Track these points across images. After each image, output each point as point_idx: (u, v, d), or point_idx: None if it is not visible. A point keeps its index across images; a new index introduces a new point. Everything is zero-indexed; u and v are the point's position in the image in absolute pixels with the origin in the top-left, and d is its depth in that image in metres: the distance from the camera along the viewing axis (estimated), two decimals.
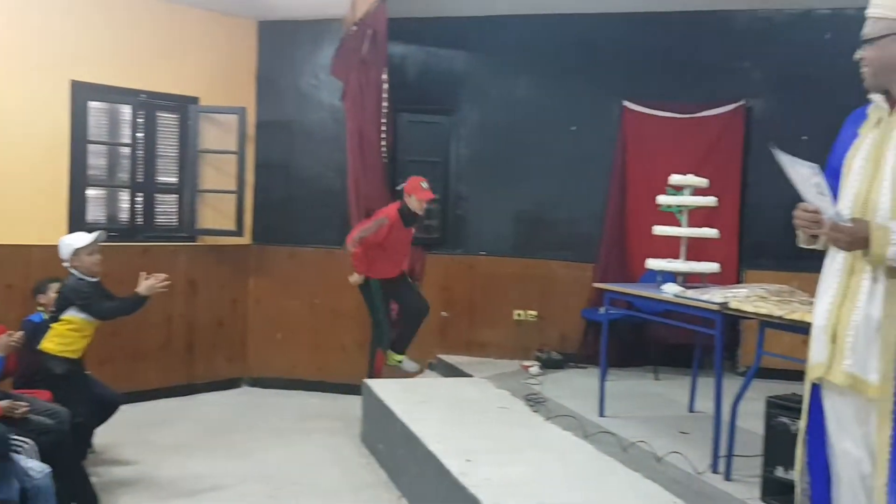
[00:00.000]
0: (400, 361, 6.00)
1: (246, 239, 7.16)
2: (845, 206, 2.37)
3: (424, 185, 5.82)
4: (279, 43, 7.24)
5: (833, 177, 2.48)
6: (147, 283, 4.38)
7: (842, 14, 6.21)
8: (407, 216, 5.83)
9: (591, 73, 6.75)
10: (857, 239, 2.20)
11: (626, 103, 6.69)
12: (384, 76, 6.43)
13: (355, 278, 5.87)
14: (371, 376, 5.82)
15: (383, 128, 6.54)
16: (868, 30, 2.35)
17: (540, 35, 6.77)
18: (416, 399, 5.14)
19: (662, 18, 6.55)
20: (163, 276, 4.43)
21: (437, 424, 4.53)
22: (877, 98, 2.39)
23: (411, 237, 6.03)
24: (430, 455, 4.03)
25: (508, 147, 6.90)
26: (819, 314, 2.44)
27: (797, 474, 2.55)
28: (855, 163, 2.39)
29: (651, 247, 5.57)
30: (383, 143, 6.57)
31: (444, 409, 4.89)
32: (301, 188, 7.20)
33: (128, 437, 5.37)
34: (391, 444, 4.84)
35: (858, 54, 2.38)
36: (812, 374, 2.45)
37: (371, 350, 6.15)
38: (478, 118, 7.06)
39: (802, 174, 2.28)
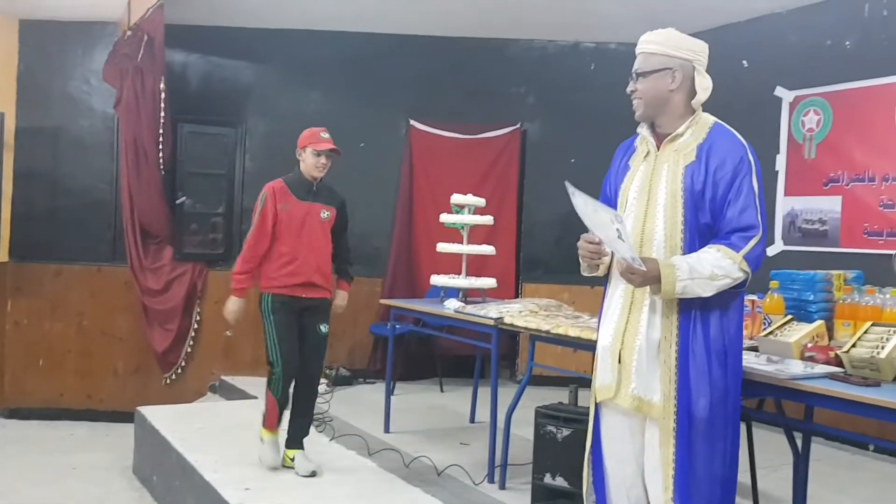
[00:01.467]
0: (292, 459, 4.06)
1: (2, 256, 6.50)
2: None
3: (324, 134, 4.19)
4: (45, 44, 6.67)
5: (608, 205, 2.62)
6: None
7: (605, 48, 6.76)
8: (298, 183, 4.14)
9: (379, 91, 6.83)
10: (649, 278, 2.30)
11: (413, 122, 6.83)
12: (161, 84, 6.14)
13: (230, 307, 4.20)
14: (264, 426, 4.11)
15: (161, 138, 6.23)
16: (641, 64, 2.48)
17: (329, 51, 6.76)
18: (193, 426, 4.90)
19: (446, 42, 6.77)
20: None
21: (215, 452, 4.33)
22: (644, 132, 2.53)
23: (321, 222, 4.14)
24: (207, 485, 3.84)
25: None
26: (604, 335, 2.54)
27: (584, 492, 2.63)
28: (629, 195, 2.51)
29: (437, 262, 5.70)
30: (160, 153, 6.26)
31: (223, 435, 4.69)
32: (68, 200, 6.65)
33: None
34: (166, 475, 4.56)
35: (631, 87, 2.49)
36: (599, 395, 2.53)
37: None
38: (265, 130, 6.91)
39: (603, 220, 2.31)
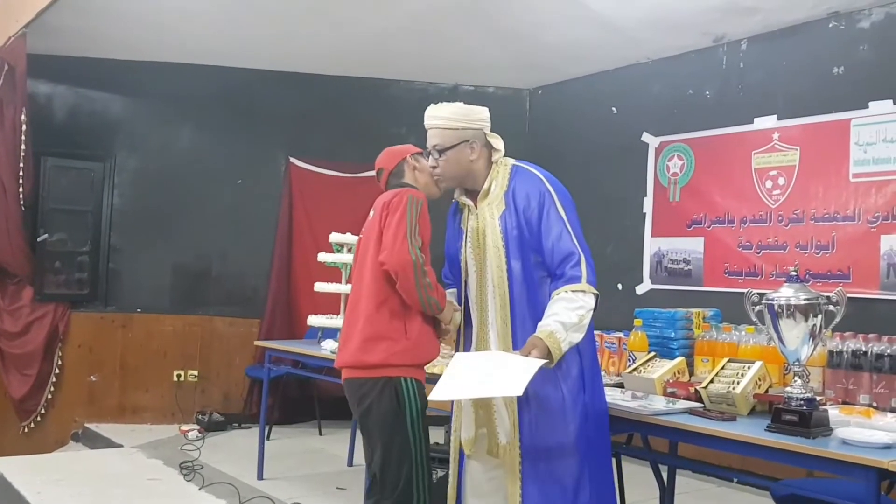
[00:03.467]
0: None
1: None
2: (471, 298, 2.58)
3: None
4: None
5: (452, 266, 2.69)
6: None
7: (483, 91, 6.91)
8: None
9: (256, 127, 6.71)
10: (544, 356, 2.28)
11: (292, 159, 6.74)
12: (23, 116, 5.83)
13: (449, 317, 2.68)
14: None
15: (21, 172, 5.90)
16: (439, 140, 2.56)
17: (204, 85, 6.58)
18: (51, 477, 4.60)
19: (326, 80, 6.74)
20: None
21: None
22: (459, 196, 2.63)
23: None
24: None
25: (169, 197, 6.57)
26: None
27: None
28: (467, 257, 2.59)
29: (317, 302, 5.60)
30: (21, 188, 5.92)
31: (83, 487, 4.41)
32: None
33: None
34: None
35: (432, 162, 2.59)
36: (468, 448, 2.55)
37: None
38: (135, 166, 6.65)
39: (480, 361, 2.43)
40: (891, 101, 4.53)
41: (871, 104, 4.61)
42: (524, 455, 2.40)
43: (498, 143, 2.59)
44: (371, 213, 2.81)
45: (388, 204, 2.68)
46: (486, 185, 2.55)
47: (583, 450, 2.41)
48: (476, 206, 2.57)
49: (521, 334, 2.43)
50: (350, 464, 5.12)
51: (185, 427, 5.97)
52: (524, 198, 2.47)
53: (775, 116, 5.11)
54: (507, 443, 2.44)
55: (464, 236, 2.62)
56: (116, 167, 6.58)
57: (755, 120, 5.21)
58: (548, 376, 2.37)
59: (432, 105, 2.59)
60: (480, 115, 2.59)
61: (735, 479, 4.84)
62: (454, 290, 2.73)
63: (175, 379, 6.43)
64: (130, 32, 5.84)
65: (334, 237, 4.99)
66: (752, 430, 2.34)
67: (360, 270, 2.76)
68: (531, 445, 2.40)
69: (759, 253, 5.13)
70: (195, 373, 6.48)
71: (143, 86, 6.57)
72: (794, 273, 2.47)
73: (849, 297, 2.40)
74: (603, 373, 3.20)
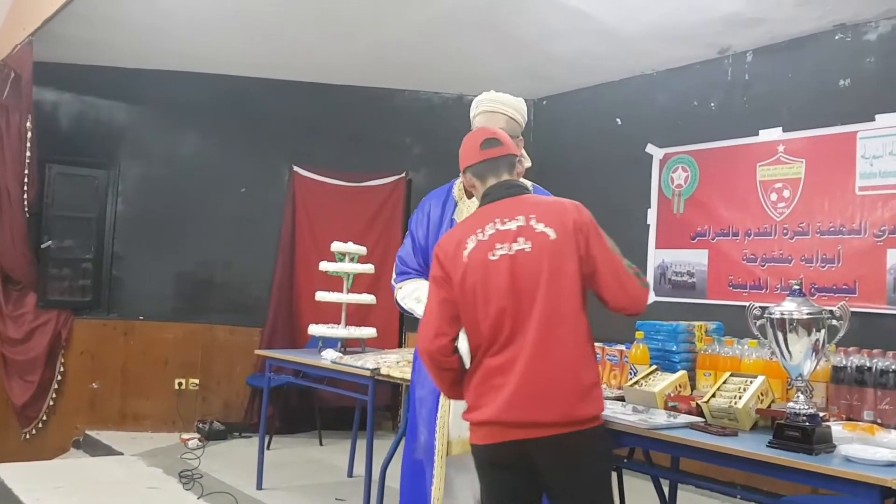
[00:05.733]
0: None
1: None
2: None
3: None
4: None
5: (421, 254, 2.62)
6: None
7: None
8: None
9: (260, 136, 6.72)
10: None
11: (296, 168, 6.74)
12: (28, 123, 5.85)
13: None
14: None
15: (26, 179, 5.92)
16: (505, 127, 2.48)
17: (208, 93, 6.60)
18: (50, 485, 4.59)
19: (331, 90, 6.75)
20: None
21: None
22: (467, 200, 2.66)
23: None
24: None
25: (172, 205, 6.57)
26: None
27: None
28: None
29: (320, 312, 5.59)
30: (25, 195, 5.93)
31: (83, 494, 4.40)
32: None
33: None
34: None
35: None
36: (459, 448, 2.51)
37: None
38: (139, 174, 6.66)
39: None
40: None
41: (877, 117, 4.58)
42: None
43: (523, 152, 2.52)
44: (512, 223, 2.22)
45: (581, 225, 2.24)
46: None
47: None
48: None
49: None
50: (350, 475, 5.10)
51: (185, 436, 5.96)
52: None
53: (780, 129, 5.08)
54: None
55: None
56: (120, 175, 6.59)
57: (760, 132, 5.19)
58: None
59: (491, 91, 2.51)
60: (525, 113, 2.57)
61: (738, 495, 4.78)
62: (421, 279, 2.62)
63: (176, 387, 6.41)
64: (136, 41, 5.85)
65: (336, 246, 4.98)
66: (754, 446, 2.31)
67: (545, 300, 2.18)
68: None
69: (763, 266, 5.10)
70: (196, 381, 6.46)
71: (148, 94, 6.59)
72: (798, 287, 2.44)
73: (855, 312, 2.38)
74: (604, 386, 3.18)
